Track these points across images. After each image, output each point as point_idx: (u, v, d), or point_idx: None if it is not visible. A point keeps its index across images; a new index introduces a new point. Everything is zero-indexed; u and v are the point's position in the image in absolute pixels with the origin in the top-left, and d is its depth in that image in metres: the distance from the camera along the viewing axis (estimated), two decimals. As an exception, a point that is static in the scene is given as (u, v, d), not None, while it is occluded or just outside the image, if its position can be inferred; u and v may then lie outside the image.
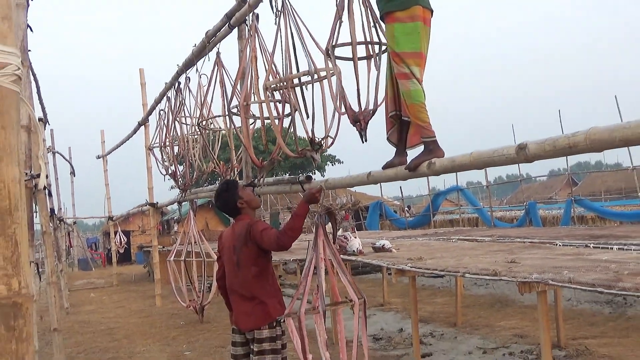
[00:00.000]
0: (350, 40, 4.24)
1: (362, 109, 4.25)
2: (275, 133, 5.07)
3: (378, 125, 4.31)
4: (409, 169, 3.81)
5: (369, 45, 4.37)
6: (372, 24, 4.28)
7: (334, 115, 4.54)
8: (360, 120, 4.20)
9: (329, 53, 4.34)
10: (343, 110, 4.35)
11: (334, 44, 4.31)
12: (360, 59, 4.34)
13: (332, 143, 4.69)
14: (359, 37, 4.27)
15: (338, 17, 4.26)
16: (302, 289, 3.96)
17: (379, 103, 4.26)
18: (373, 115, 4.25)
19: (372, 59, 4.38)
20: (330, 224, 4.33)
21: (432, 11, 3.88)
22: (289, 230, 3.97)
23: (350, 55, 4.30)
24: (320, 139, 4.71)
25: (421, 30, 3.77)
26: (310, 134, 4.74)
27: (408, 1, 3.72)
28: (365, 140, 4.25)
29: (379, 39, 4.31)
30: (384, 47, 4.26)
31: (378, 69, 4.28)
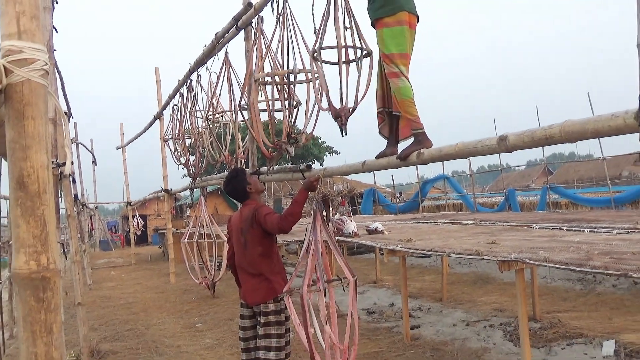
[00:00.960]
0: (334, 44, 4.26)
1: (343, 107, 4.26)
2: (258, 125, 5.08)
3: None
4: (400, 158, 3.82)
5: (349, 50, 4.37)
6: (354, 30, 4.28)
7: (312, 113, 4.54)
8: (341, 116, 4.23)
9: (314, 56, 4.36)
10: (325, 106, 4.36)
11: (318, 47, 4.31)
12: (343, 62, 4.36)
13: (307, 139, 4.68)
14: (342, 43, 4.28)
15: (324, 24, 4.28)
16: (301, 268, 4.00)
17: (358, 102, 4.25)
18: (352, 112, 4.26)
19: (354, 62, 4.39)
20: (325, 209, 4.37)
21: (417, 16, 3.92)
22: (289, 215, 4.01)
23: (336, 59, 4.33)
24: (296, 134, 4.72)
25: (407, 33, 3.82)
26: (288, 128, 4.75)
27: (395, 8, 3.77)
28: (345, 134, 4.25)
29: (361, 44, 4.30)
30: (365, 52, 4.29)
31: (359, 71, 4.27)
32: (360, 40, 4.29)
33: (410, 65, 3.97)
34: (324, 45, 4.31)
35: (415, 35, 3.92)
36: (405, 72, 3.83)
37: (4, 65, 1.34)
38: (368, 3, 3.98)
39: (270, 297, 4.12)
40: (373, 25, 3.96)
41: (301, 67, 4.77)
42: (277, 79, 5.04)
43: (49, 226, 1.40)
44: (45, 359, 1.37)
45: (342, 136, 4.28)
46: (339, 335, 3.97)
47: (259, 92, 5.16)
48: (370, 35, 4.19)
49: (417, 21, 3.92)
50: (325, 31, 4.29)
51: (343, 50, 4.24)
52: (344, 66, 4.33)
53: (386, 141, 4.23)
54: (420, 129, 3.79)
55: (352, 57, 4.32)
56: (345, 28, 4.23)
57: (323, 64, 4.37)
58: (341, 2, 4.19)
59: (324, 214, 4.27)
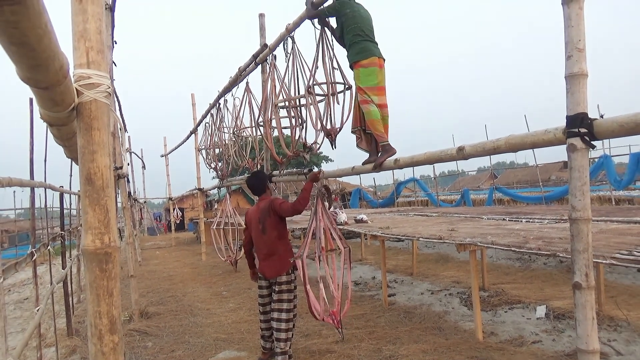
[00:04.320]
0: (324, 80, 4.38)
1: (332, 127, 4.39)
2: (281, 140, 5.12)
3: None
4: (375, 167, 3.89)
5: (333, 85, 4.47)
6: (335, 70, 4.39)
7: (321, 128, 4.57)
8: (331, 134, 4.37)
9: (309, 91, 4.44)
10: (320, 127, 4.47)
11: (311, 83, 4.45)
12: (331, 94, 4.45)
13: (318, 148, 4.71)
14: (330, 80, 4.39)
15: (315, 66, 4.41)
16: (305, 240, 4.13)
17: (343, 123, 4.38)
18: (339, 131, 4.38)
19: (340, 93, 4.51)
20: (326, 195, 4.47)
21: (384, 59, 4.06)
22: (301, 199, 4.08)
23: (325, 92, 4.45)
24: (310, 144, 4.76)
25: (377, 72, 3.96)
26: (303, 140, 4.80)
27: (368, 54, 3.94)
28: (335, 148, 4.45)
29: (346, 79, 4.43)
30: (347, 86, 4.43)
31: (345, 101, 4.42)
32: (343, 77, 4.41)
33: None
34: (316, 80, 4.43)
35: (384, 72, 4.06)
36: (376, 100, 3.96)
37: (76, 88, 1.34)
38: (347, 51, 4.09)
39: (284, 271, 4.14)
40: (351, 66, 4.08)
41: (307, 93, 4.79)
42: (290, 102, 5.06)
43: (111, 213, 1.39)
44: (107, 316, 1.37)
45: (333, 149, 4.41)
46: (339, 292, 4.11)
47: (276, 112, 5.18)
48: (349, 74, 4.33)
49: (384, 62, 4.06)
50: (317, 70, 4.40)
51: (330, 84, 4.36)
52: (331, 96, 4.43)
53: (367, 153, 4.27)
54: (385, 141, 3.88)
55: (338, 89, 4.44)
56: (333, 69, 4.33)
57: (316, 95, 4.48)
58: (328, 48, 4.29)
59: (326, 198, 4.37)
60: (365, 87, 3.92)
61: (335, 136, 4.35)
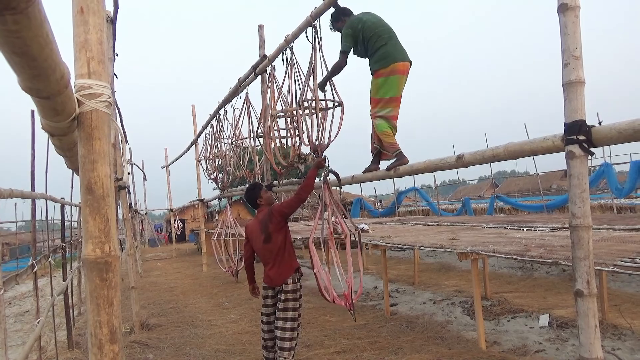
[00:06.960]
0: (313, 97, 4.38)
1: (319, 144, 4.40)
2: (275, 150, 5.12)
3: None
4: (388, 169, 3.86)
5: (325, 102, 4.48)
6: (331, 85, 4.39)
7: (317, 139, 4.56)
8: (317, 150, 4.36)
9: (300, 104, 4.44)
10: (307, 142, 4.48)
11: (302, 99, 4.43)
12: (323, 109, 4.47)
13: (312, 159, 4.70)
14: (321, 95, 4.37)
15: (307, 81, 4.37)
16: (315, 225, 4.18)
17: (331, 139, 4.37)
18: (326, 148, 4.37)
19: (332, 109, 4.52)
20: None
21: (410, 62, 3.94)
22: (304, 186, 4.02)
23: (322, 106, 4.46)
24: (304, 155, 4.76)
25: (398, 80, 3.85)
26: (298, 151, 4.80)
27: (388, 61, 3.82)
28: (327, 164, 4.37)
29: (337, 97, 4.42)
30: (337, 103, 4.44)
31: (335, 118, 4.44)
32: (337, 93, 4.41)
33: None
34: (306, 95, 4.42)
35: (406, 78, 3.93)
36: (386, 113, 3.89)
37: (77, 98, 1.35)
38: (369, 59, 3.98)
39: (289, 275, 4.05)
40: (372, 74, 3.97)
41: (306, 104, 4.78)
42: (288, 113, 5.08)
43: (111, 222, 1.39)
44: (108, 326, 1.36)
45: (326, 164, 4.37)
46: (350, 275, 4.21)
47: (274, 122, 5.20)
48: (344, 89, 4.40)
49: (411, 64, 3.94)
50: (309, 86, 4.38)
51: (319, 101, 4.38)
52: (321, 112, 4.44)
53: (369, 160, 4.27)
54: (397, 150, 3.84)
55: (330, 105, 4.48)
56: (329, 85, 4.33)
57: (306, 110, 4.49)
58: (321, 62, 4.28)
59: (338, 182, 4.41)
60: (375, 98, 3.87)
61: (322, 152, 4.35)
